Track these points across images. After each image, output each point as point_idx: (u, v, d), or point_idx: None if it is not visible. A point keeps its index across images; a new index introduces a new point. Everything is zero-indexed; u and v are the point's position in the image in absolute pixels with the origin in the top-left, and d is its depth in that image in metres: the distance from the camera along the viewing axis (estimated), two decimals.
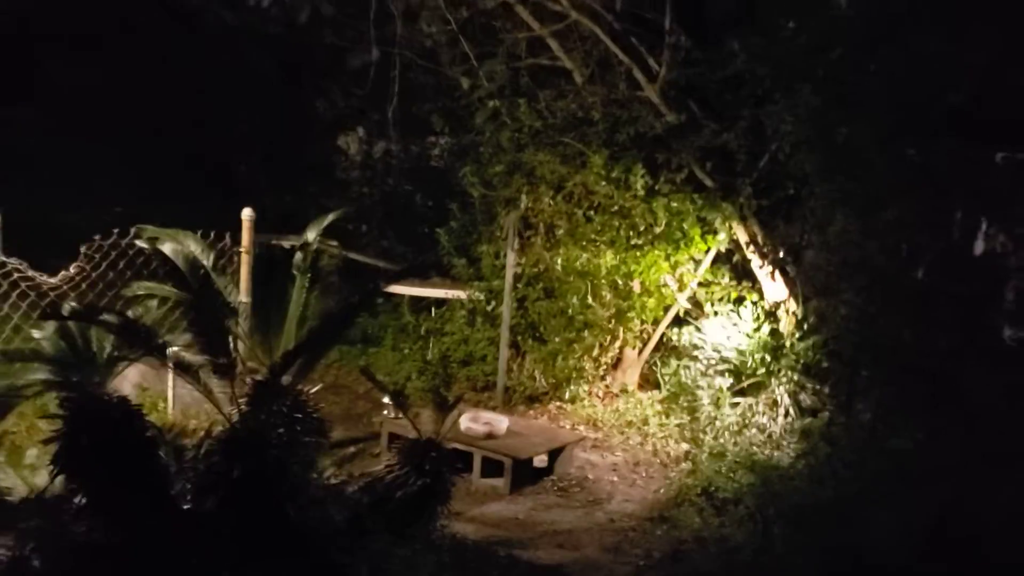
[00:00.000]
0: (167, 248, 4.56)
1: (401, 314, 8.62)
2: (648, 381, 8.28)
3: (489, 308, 7.68)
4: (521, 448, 5.80)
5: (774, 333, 6.93)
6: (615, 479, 6.15)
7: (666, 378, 8.00)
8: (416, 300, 8.55)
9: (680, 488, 5.90)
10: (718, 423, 6.88)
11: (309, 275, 4.81)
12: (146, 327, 4.09)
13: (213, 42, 12.00)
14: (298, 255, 4.83)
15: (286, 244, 10.95)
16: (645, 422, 7.17)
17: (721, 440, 6.63)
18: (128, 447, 3.69)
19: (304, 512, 4.09)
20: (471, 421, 6.00)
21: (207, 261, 4.74)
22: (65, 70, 11.92)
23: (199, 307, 4.19)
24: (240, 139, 14.15)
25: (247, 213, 5.82)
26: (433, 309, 8.33)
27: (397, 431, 6.09)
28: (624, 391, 7.92)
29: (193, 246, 4.72)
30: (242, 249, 5.95)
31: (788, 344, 6.96)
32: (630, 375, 8.06)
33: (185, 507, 3.97)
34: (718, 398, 7.07)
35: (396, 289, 8.42)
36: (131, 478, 3.67)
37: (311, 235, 4.98)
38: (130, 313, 4.68)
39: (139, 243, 5.28)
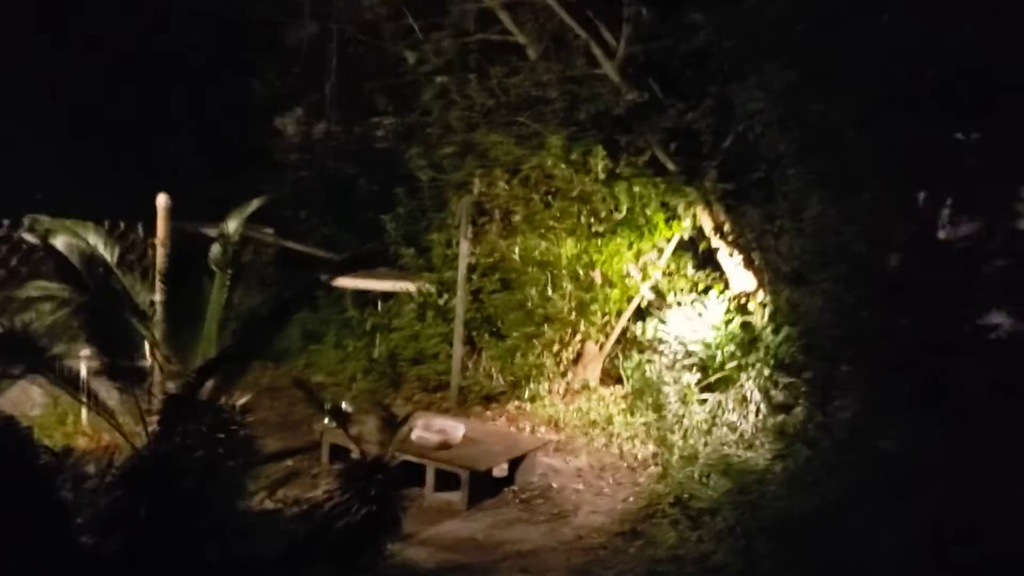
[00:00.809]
0: (59, 242, 3.93)
1: (344, 308, 8.02)
2: (610, 376, 7.83)
3: (441, 302, 7.14)
4: (479, 458, 5.29)
5: (744, 326, 6.51)
6: (581, 487, 5.68)
7: (629, 372, 7.56)
8: (361, 293, 7.96)
9: (651, 496, 5.46)
10: (686, 421, 6.47)
11: (231, 270, 4.19)
12: (29, 336, 3.47)
13: (144, 18, 11.20)
14: (215, 248, 4.22)
15: (213, 233, 10.25)
16: (609, 421, 6.71)
17: (691, 440, 6.21)
18: (11, 477, 3.09)
19: (228, 548, 3.53)
20: (423, 429, 5.47)
21: (111, 256, 4.12)
22: None
23: (94, 310, 3.59)
24: (171, 121, 13.33)
25: (162, 200, 5.16)
26: (379, 303, 7.74)
27: (340, 442, 5.53)
28: (586, 387, 7.45)
29: (93, 239, 4.09)
30: (157, 241, 5.29)
31: (759, 337, 6.56)
32: (592, 370, 7.60)
33: (88, 544, 3.40)
34: (685, 395, 6.65)
35: (338, 282, 7.82)
36: (16, 514, 3.07)
37: (232, 225, 4.35)
38: (18, 319, 4.04)
39: (28, 236, 4.63)
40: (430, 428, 5.53)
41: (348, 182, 11.75)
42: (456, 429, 5.50)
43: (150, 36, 11.09)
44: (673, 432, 6.38)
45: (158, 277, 5.19)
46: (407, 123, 8.70)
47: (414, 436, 5.38)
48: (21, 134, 12.09)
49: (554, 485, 5.67)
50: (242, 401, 4.49)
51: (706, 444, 6.13)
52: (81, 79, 11.06)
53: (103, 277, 3.96)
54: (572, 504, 5.42)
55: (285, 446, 6.02)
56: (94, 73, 11.00)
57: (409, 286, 7.34)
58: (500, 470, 5.55)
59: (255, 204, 4.45)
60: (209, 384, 3.82)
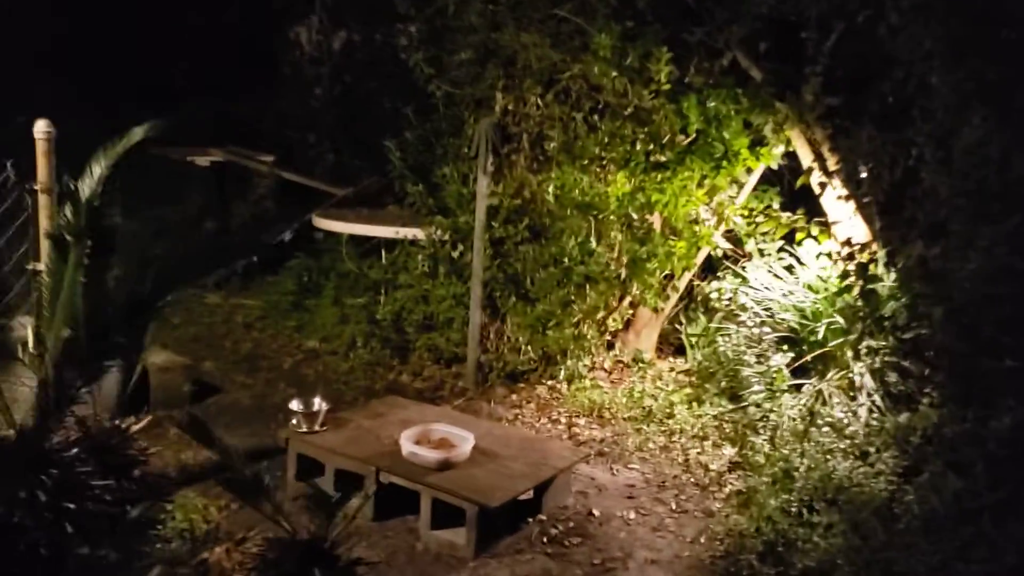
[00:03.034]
0: None
1: (345, 256, 6.51)
2: (669, 343, 6.27)
3: (455, 254, 5.57)
4: (492, 485, 3.79)
5: (866, 293, 4.83)
6: (632, 516, 4.16)
7: (694, 341, 5.98)
8: (363, 239, 6.43)
9: (730, 536, 3.94)
10: (774, 417, 4.89)
11: (88, 240, 2.62)
12: None
13: None
14: (67, 210, 2.62)
15: (200, 161, 8.76)
16: (670, 413, 5.17)
17: (781, 446, 4.64)
18: None
19: None
20: (419, 439, 3.99)
21: None
22: None
23: None
24: (168, 33, 11.80)
25: (41, 127, 3.58)
26: (383, 252, 6.21)
27: (309, 453, 4.09)
28: (638, 361, 5.90)
29: None
30: (37, 187, 3.75)
31: (875, 305, 4.91)
32: (646, 338, 6.03)
33: None
34: (772, 380, 5.06)
35: (325, 224, 6.30)
36: None
37: (89, 181, 2.70)
38: None
39: None
40: (429, 437, 4.05)
41: (366, 100, 10.15)
42: (463, 441, 4.00)
43: None
44: (757, 432, 4.83)
45: (42, 237, 3.72)
46: (432, 27, 6.99)
47: (406, 451, 3.90)
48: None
49: (596, 513, 4.16)
50: (139, 426, 3.07)
51: (802, 453, 4.55)
52: None
53: None
54: (621, 546, 3.91)
55: (248, 445, 4.59)
56: None
57: (417, 232, 5.78)
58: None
59: (138, 134, 2.85)
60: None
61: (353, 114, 9.89)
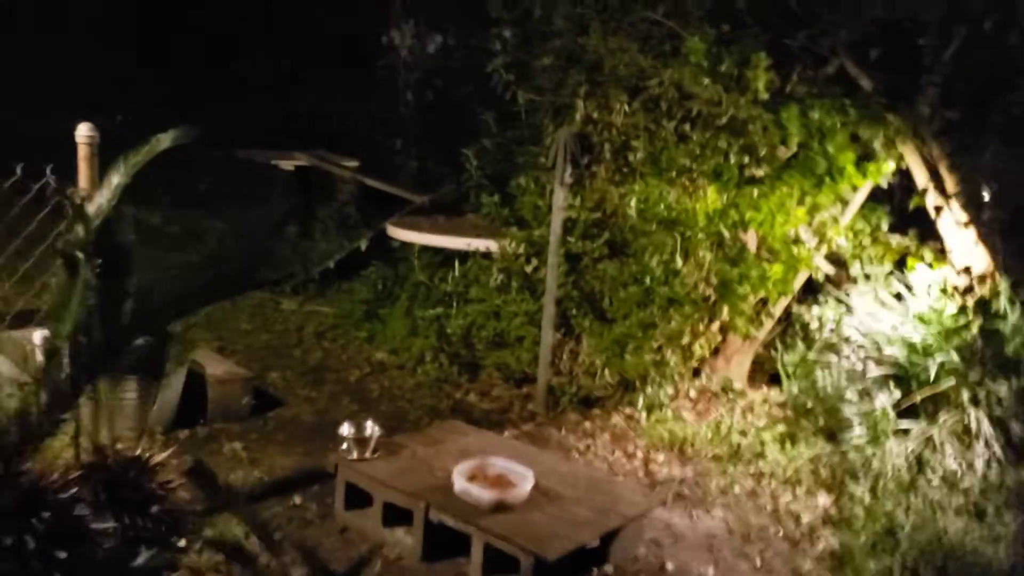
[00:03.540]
0: None
1: (416, 267, 6.27)
2: (762, 370, 5.78)
3: (528, 268, 5.24)
4: (552, 532, 3.45)
5: (987, 333, 4.29)
6: (711, 573, 3.74)
7: (791, 371, 5.49)
8: (436, 250, 6.17)
9: None
10: (876, 463, 4.40)
11: (101, 258, 2.39)
12: None
13: None
14: (77, 229, 2.36)
15: (284, 165, 8.69)
16: (760, 452, 4.71)
17: (884, 500, 4.14)
18: None
19: None
20: (474, 475, 3.68)
21: None
22: None
23: None
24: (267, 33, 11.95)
25: (84, 132, 3.39)
26: (456, 263, 5.93)
27: (358, 482, 3.82)
28: (727, 389, 5.45)
29: None
30: (78, 191, 3.50)
31: (999, 345, 4.35)
32: (737, 365, 5.57)
33: None
34: (876, 421, 4.55)
35: (399, 234, 6.08)
36: None
37: (115, 180, 2.47)
38: None
39: None
40: (485, 472, 3.73)
41: (457, 106, 9.94)
42: (522, 478, 3.67)
43: None
44: (856, 480, 4.34)
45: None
46: (522, 31, 6.70)
47: (458, 487, 3.59)
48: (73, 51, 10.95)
49: (669, 566, 3.76)
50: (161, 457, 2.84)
51: (908, 508, 4.05)
52: None
53: None
54: None
55: (301, 466, 4.38)
56: None
57: (490, 244, 5.48)
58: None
59: (164, 143, 2.60)
60: None
61: (441, 120, 9.70)
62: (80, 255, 2.32)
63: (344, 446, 3.90)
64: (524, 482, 3.64)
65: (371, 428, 3.92)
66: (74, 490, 2.27)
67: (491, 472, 3.73)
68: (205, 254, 8.10)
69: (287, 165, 8.32)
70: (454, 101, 10.00)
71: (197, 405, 4.69)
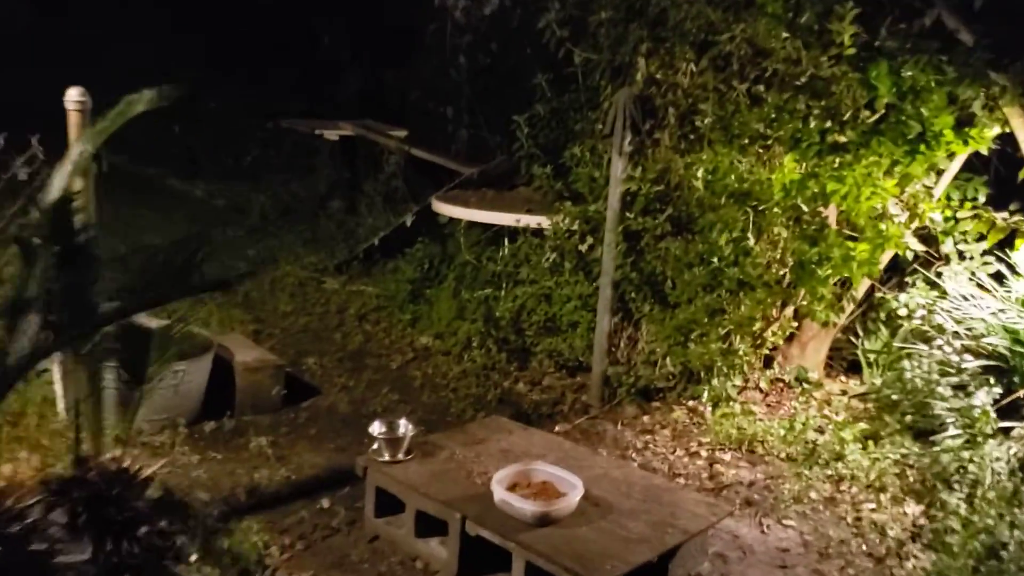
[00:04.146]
0: None
1: (463, 245, 5.87)
2: (842, 357, 5.26)
3: (583, 247, 4.79)
4: (602, 551, 3.03)
5: None
6: None
7: (872, 359, 4.98)
8: (484, 226, 5.76)
9: None
10: (974, 469, 3.86)
11: (58, 245, 2.01)
12: None
13: None
14: (43, 211, 2.00)
15: (329, 135, 8.34)
16: (839, 452, 4.21)
17: (983, 509, 3.62)
18: None
19: None
20: (515, 482, 3.28)
21: None
22: None
23: None
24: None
25: (73, 96, 3.00)
26: (506, 241, 5.51)
27: (388, 487, 3.46)
28: (802, 380, 4.94)
29: None
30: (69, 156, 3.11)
31: None
32: (813, 353, 5.05)
33: None
34: (974, 420, 4.01)
35: (444, 209, 5.67)
36: None
37: (77, 152, 2.09)
38: None
39: None
40: (529, 479, 3.33)
41: (512, 71, 9.45)
42: (570, 488, 3.25)
43: None
44: (951, 488, 3.82)
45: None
46: None
47: (497, 497, 3.20)
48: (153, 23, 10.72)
49: None
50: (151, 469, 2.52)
51: (1012, 524, 3.52)
52: None
53: None
54: None
55: (332, 464, 4.05)
56: None
57: (541, 221, 5.04)
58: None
59: (137, 106, 2.22)
60: None
61: (496, 86, 9.23)
62: (37, 241, 1.97)
63: (375, 446, 3.53)
64: (572, 491, 3.23)
65: (404, 427, 3.55)
66: (34, 517, 1.94)
67: (535, 479, 3.33)
68: (249, 226, 7.85)
69: (332, 135, 7.98)
70: (510, 66, 9.50)
71: (226, 395, 4.39)
